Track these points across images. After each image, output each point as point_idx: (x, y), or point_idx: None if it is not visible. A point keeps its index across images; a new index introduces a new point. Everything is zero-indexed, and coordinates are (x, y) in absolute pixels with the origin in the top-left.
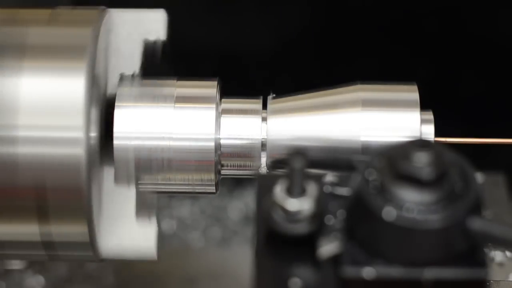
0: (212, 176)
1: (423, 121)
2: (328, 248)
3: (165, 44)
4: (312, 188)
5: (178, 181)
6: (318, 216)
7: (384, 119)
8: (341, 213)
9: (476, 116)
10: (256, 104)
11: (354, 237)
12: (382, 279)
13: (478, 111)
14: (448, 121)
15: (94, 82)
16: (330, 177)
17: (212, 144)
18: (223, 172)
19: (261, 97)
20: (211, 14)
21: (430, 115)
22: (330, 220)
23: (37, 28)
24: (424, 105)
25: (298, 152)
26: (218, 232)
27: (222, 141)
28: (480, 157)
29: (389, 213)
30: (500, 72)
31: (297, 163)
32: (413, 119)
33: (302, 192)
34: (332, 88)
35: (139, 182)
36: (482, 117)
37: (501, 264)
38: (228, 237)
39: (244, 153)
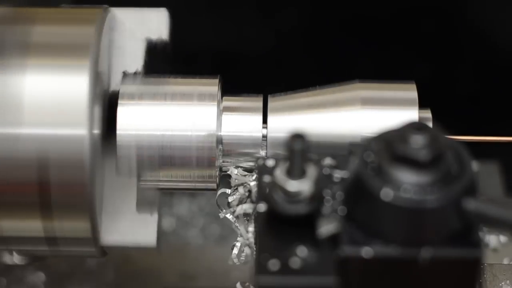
0: (214, 172)
1: (421, 119)
2: (327, 228)
3: (167, 42)
4: (311, 170)
5: (179, 178)
6: (317, 197)
7: (382, 117)
8: (340, 195)
9: (474, 114)
10: (257, 102)
11: (352, 218)
12: (379, 258)
13: (476, 109)
14: (446, 119)
15: (97, 80)
16: (329, 159)
17: (214, 141)
18: (224, 168)
19: (262, 95)
20: (211, 14)
21: (428, 113)
22: (329, 201)
23: (40, 26)
24: (422, 104)
25: (297, 134)
26: (217, 230)
27: (224, 138)
28: (477, 155)
29: (386, 193)
30: (498, 70)
31: (297, 145)
32: (412, 117)
33: (301, 174)
34: (331, 86)
35: (141, 178)
36: (480, 115)
37: (495, 250)
38: (227, 234)
39: (245, 150)
